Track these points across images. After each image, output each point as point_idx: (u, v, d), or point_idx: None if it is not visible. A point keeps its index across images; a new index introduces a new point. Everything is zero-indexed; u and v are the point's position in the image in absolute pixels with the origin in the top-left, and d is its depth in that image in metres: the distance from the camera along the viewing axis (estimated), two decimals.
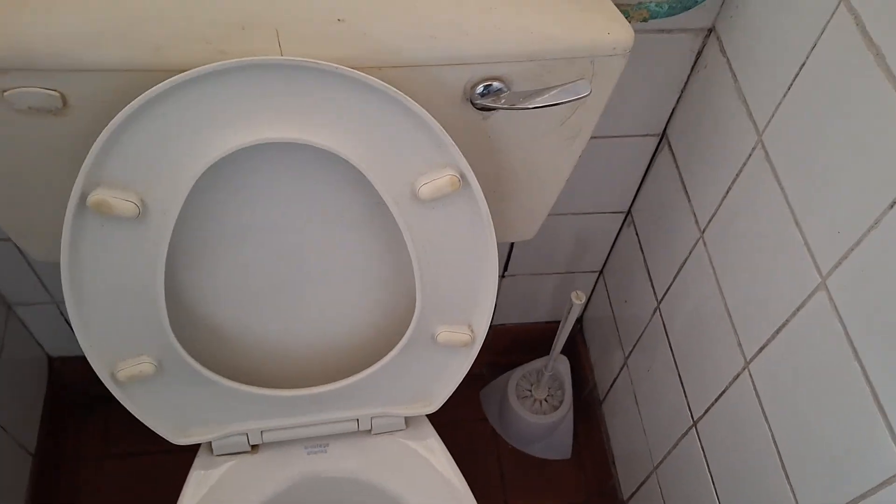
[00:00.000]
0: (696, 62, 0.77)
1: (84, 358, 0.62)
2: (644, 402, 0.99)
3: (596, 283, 1.14)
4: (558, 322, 1.05)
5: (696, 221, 0.79)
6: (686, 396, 0.84)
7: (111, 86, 0.50)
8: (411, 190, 0.57)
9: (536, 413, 1.19)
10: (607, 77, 0.58)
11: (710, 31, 0.73)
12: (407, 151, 0.56)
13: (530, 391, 1.21)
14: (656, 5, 0.67)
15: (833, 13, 0.55)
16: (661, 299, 0.90)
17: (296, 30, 0.50)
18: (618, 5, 0.67)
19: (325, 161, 0.56)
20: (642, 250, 0.96)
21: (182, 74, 0.48)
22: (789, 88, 0.61)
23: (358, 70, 0.51)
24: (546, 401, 1.21)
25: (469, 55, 0.54)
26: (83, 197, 0.52)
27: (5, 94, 0.50)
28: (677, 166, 0.84)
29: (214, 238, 0.61)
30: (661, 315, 0.91)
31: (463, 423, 1.27)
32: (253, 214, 0.60)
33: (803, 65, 0.59)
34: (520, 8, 0.54)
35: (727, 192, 0.72)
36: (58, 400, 1.11)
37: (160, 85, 0.48)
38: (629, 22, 0.67)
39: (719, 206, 0.74)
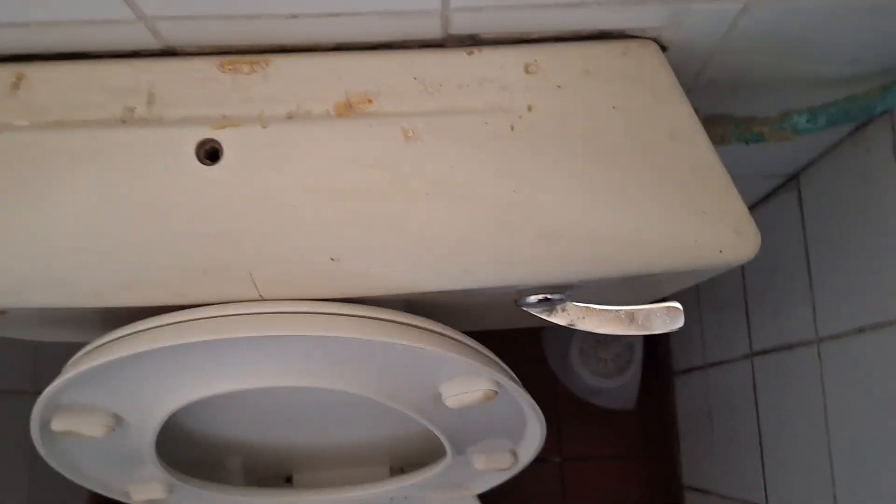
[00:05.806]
0: None
1: None
2: None
3: None
4: None
5: None
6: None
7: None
8: (435, 398, 0.46)
9: (600, 375, 1.12)
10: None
11: None
12: (425, 372, 0.43)
13: (595, 349, 1.13)
14: (808, 119, 0.46)
15: None
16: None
17: (274, 272, 0.37)
18: (746, 120, 0.48)
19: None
20: None
21: (135, 350, 0.36)
22: None
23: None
24: (612, 361, 1.13)
25: (516, 283, 0.39)
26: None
27: None
28: None
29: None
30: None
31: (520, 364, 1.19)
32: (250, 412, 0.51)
33: None
34: (599, 215, 0.38)
35: None
36: None
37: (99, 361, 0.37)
38: (766, 142, 0.48)
39: None
